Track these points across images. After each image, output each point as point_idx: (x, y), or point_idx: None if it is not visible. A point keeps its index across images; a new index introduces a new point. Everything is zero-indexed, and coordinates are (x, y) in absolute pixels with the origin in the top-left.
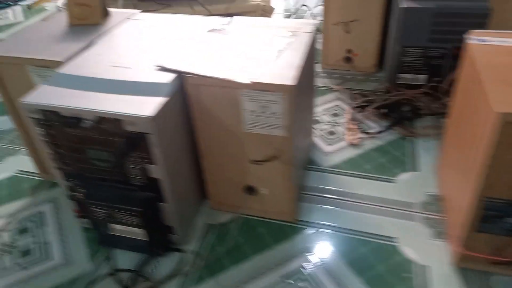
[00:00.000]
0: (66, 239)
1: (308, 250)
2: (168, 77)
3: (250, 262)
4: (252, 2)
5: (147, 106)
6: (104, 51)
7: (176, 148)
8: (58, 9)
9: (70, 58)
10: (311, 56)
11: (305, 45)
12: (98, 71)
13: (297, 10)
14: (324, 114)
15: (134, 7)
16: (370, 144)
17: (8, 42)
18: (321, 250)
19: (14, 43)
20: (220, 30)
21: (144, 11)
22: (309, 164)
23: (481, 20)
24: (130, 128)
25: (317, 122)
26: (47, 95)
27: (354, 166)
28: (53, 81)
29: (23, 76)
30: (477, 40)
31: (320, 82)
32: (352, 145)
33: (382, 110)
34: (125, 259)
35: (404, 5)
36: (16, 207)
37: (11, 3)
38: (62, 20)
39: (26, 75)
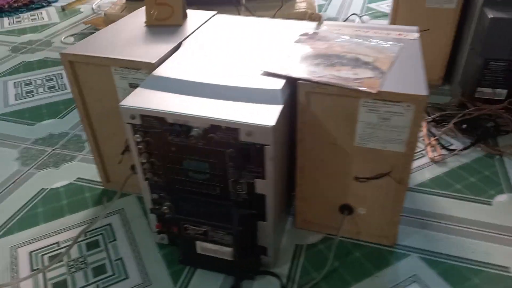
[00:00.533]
0: (140, 255)
1: (415, 279)
2: (278, 84)
3: None
4: (299, 10)
5: (265, 115)
6: (197, 53)
7: (281, 162)
8: (94, 11)
9: (162, 61)
10: None
11: (419, 53)
12: (198, 75)
13: (346, 19)
14: None
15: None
16: (454, 161)
17: (88, 43)
18: (429, 280)
19: (94, 44)
20: (312, 33)
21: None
22: None
23: None
24: (245, 139)
25: None
26: (148, 100)
27: (443, 186)
28: (150, 84)
29: (103, 78)
30: None
31: None
32: (435, 162)
33: (463, 126)
34: (208, 282)
35: (492, 15)
36: (80, 218)
37: (44, 4)
38: (132, 21)
39: (107, 77)
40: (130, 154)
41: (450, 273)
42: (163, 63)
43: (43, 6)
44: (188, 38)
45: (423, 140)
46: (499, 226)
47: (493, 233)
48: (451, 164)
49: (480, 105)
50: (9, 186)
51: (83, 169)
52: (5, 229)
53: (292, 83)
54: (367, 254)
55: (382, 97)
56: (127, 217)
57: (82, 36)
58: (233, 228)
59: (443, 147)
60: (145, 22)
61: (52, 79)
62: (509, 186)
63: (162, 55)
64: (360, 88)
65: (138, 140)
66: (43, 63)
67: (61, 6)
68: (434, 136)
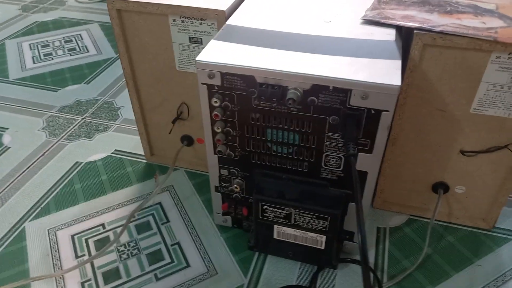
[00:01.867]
0: (199, 239)
1: None
2: (389, 32)
3: (452, 281)
4: None
5: (385, 72)
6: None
7: None
8: None
9: (233, 7)
10: None
11: None
12: (284, 24)
13: None
14: None
15: None
16: None
17: None
18: None
19: None
20: None
21: None
22: None
23: None
24: (357, 103)
25: None
26: (230, 54)
27: None
28: (226, 36)
29: (157, 31)
30: None
31: None
32: None
33: None
34: (284, 271)
35: None
36: (124, 196)
37: None
38: None
39: (162, 31)
40: (182, 123)
41: None
42: (236, 10)
43: None
44: None
45: None
46: None
47: None
48: None
49: None
50: (38, 159)
51: (120, 140)
52: (39, 210)
53: (401, 35)
54: (462, 238)
55: None
56: (178, 195)
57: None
58: (330, 211)
59: None
60: None
61: (71, 41)
62: None
63: (233, 1)
64: (501, 39)
65: (215, 105)
66: (59, 23)
67: None
68: None
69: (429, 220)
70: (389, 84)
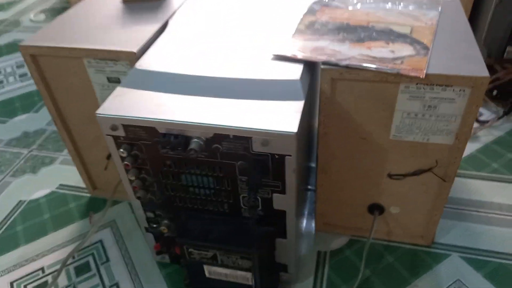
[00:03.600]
0: (138, 278)
1: (459, 286)
2: (295, 71)
3: None
4: None
5: (284, 117)
6: (188, 35)
7: (302, 167)
8: None
9: (145, 48)
10: None
11: (464, 18)
12: (192, 65)
13: None
14: None
15: None
16: (487, 135)
17: (53, 29)
18: (475, 284)
19: (61, 30)
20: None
21: None
22: None
23: None
24: (260, 149)
25: None
26: (132, 103)
27: (478, 166)
28: (132, 82)
29: (76, 72)
30: None
31: None
32: None
33: (493, 92)
34: None
35: None
36: (66, 235)
37: None
38: None
39: (80, 72)
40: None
41: (498, 275)
42: (147, 51)
43: None
44: (175, 15)
45: None
46: None
47: None
48: (484, 139)
49: (509, 67)
50: None
51: (65, 174)
52: None
53: (312, 67)
54: (402, 257)
55: (431, 81)
56: (120, 230)
57: (54, 11)
58: (251, 251)
59: None
60: None
61: (23, 66)
62: None
63: (146, 41)
64: (403, 72)
65: (123, 155)
66: (13, 47)
67: None
68: None
69: (371, 240)
70: (286, 132)
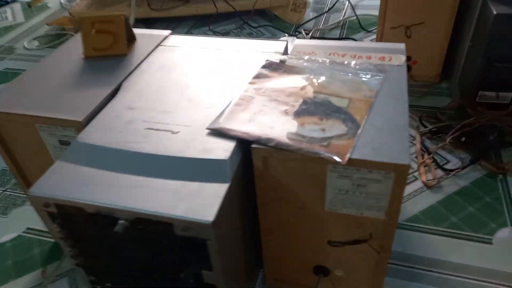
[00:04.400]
0: None
1: None
2: (227, 148)
3: None
4: None
5: (204, 203)
6: (137, 101)
7: (235, 240)
8: (62, 6)
9: (93, 115)
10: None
11: (403, 89)
12: (131, 139)
13: (335, 3)
14: None
15: (148, 4)
16: (451, 185)
17: (10, 91)
18: None
19: (17, 93)
20: (278, 63)
21: (160, 9)
22: None
23: None
24: (182, 233)
25: None
26: (65, 182)
27: (437, 219)
28: (71, 156)
29: (31, 135)
30: None
31: None
32: (428, 187)
33: (462, 139)
34: None
35: (497, 10)
36: (26, 284)
37: (9, 1)
38: (70, 51)
39: (34, 134)
40: None
41: None
42: (92, 121)
43: (7, 3)
44: (130, 76)
45: (416, 158)
46: (500, 274)
47: (494, 283)
48: (447, 189)
49: (481, 111)
50: None
51: (34, 216)
52: None
53: (246, 143)
54: None
55: (354, 165)
56: (76, 282)
57: (48, 38)
58: None
59: (438, 166)
60: (83, 53)
61: None
62: None
63: (93, 108)
64: (325, 157)
65: (57, 230)
66: (4, 76)
67: (27, 2)
68: (429, 153)
69: None
70: (202, 221)
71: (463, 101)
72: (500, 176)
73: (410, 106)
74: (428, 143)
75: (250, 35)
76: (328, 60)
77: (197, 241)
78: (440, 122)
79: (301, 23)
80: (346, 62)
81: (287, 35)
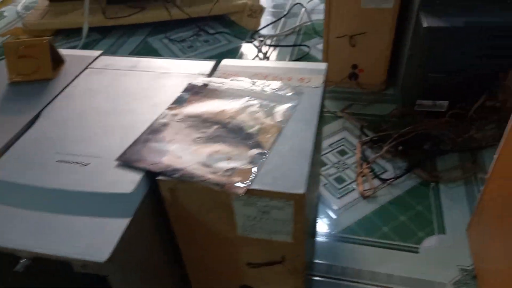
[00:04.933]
0: None
1: None
2: (134, 180)
3: None
4: (239, 2)
5: (102, 240)
6: (52, 131)
7: (148, 270)
8: (19, 15)
9: (8, 146)
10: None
11: (315, 111)
12: (41, 173)
13: (290, 8)
14: (329, 152)
15: (103, 12)
16: (386, 194)
17: None
18: None
19: None
20: (200, 86)
21: (115, 17)
22: (316, 229)
23: None
24: (82, 270)
25: (321, 164)
26: None
27: (369, 230)
28: None
29: None
30: None
31: None
32: (364, 197)
33: (399, 148)
34: None
35: (427, 23)
36: None
37: None
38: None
39: None
40: None
41: None
42: (5, 153)
43: None
44: (52, 102)
45: (356, 167)
46: (424, 283)
47: None
48: (382, 199)
49: (420, 119)
50: None
51: None
52: None
53: (154, 174)
54: None
55: (254, 195)
56: None
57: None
58: None
59: (376, 176)
60: (8, 78)
61: None
62: (441, 225)
63: (9, 138)
64: (227, 188)
65: None
66: None
67: None
68: (367, 163)
69: None
70: (97, 259)
71: (404, 109)
72: (433, 184)
73: (357, 114)
74: (369, 152)
75: (206, 42)
76: (249, 83)
77: (100, 277)
78: (382, 131)
79: (257, 29)
80: (265, 86)
81: (244, 41)
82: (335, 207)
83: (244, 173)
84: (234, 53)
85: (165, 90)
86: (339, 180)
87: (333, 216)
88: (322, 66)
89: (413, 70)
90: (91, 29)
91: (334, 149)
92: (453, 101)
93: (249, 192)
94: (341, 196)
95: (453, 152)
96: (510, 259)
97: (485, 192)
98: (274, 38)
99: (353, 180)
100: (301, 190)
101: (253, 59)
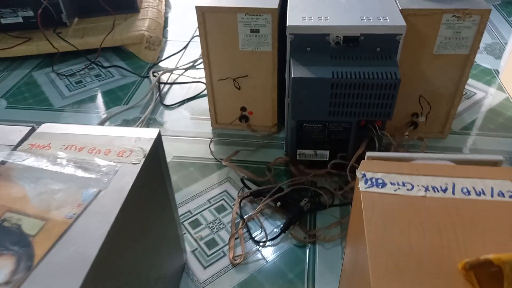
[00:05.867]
0: None
1: None
2: None
3: None
4: (135, 33)
5: None
6: None
7: None
8: None
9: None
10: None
11: (122, 197)
12: None
13: (190, 40)
14: (207, 208)
15: None
16: (258, 260)
17: None
18: None
19: None
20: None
21: None
22: None
23: (390, 91)
24: None
25: (194, 225)
26: None
27: None
28: None
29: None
30: (366, 183)
31: (206, 151)
32: (234, 265)
33: (277, 203)
34: None
35: (296, 74)
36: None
37: None
38: None
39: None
40: None
41: None
42: None
43: None
44: None
45: (231, 227)
46: None
47: None
48: (252, 266)
49: (302, 170)
50: None
51: None
52: None
53: None
54: None
55: None
56: None
57: None
58: None
59: (251, 238)
60: None
61: None
62: None
63: None
64: None
65: None
66: None
67: None
68: (244, 220)
69: None
70: None
71: (287, 158)
72: (309, 245)
73: (243, 161)
74: (249, 207)
75: (97, 77)
76: (53, 161)
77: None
78: (263, 183)
79: (156, 62)
80: (72, 163)
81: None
82: (201, 279)
83: None
84: (126, 90)
85: None
86: (211, 244)
87: None
88: (153, 134)
89: (290, 122)
90: None
91: (213, 204)
92: (333, 150)
93: None
94: (209, 265)
95: (332, 207)
96: None
97: (344, 259)
98: (171, 73)
99: (226, 243)
100: None
101: (146, 96)
